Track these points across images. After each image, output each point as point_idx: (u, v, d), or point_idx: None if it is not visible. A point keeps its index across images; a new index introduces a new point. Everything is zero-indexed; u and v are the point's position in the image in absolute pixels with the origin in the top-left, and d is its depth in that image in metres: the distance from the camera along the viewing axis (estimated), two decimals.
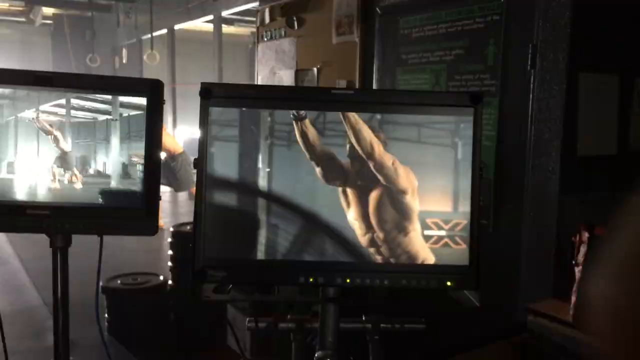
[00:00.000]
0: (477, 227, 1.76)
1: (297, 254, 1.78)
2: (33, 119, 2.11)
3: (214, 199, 1.79)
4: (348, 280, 1.74)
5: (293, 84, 6.32)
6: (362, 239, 1.76)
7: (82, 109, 2.18)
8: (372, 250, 1.77)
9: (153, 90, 2.04)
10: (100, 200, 2.07)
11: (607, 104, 3.89)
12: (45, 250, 2.07)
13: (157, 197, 2.06)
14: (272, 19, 6.92)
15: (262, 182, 1.78)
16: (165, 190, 2.41)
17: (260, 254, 1.79)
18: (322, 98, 1.82)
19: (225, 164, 1.79)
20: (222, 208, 1.79)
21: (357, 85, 5.53)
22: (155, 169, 2.07)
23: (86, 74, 2.56)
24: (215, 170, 1.79)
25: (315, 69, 6.28)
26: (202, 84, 1.79)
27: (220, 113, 1.80)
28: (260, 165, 1.79)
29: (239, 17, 16.92)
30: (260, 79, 7.11)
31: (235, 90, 1.81)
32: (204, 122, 1.78)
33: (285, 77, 6.65)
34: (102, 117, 2.14)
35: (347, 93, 1.81)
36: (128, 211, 2.05)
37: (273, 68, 6.91)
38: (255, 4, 8.72)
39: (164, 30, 17.85)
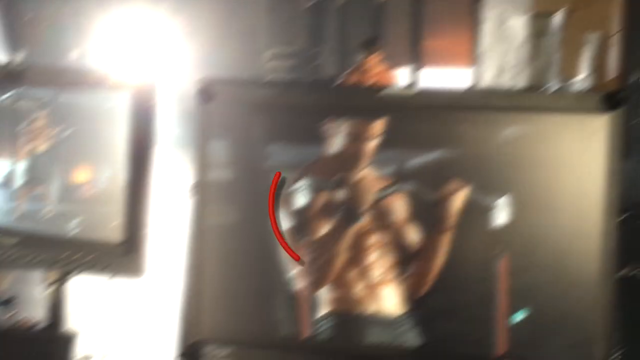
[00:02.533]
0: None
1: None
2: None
3: (219, 242, 1.34)
4: None
5: (527, 36, 5.05)
6: None
7: None
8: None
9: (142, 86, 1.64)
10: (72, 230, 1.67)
11: None
12: None
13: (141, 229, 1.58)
14: None
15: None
16: None
17: (279, 329, 1.33)
18: (367, 103, 1.31)
19: (235, 195, 1.37)
20: (228, 259, 1.35)
21: (614, 44, 4.16)
22: (141, 193, 1.58)
23: (64, 67, 2.19)
24: (220, 203, 1.36)
25: (557, 15, 4.80)
26: (200, 81, 1.35)
27: (226, 123, 1.34)
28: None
29: None
30: (486, 29, 5.85)
31: (245, 90, 1.32)
32: (203, 136, 1.29)
33: (518, 26, 5.36)
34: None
35: (404, 95, 1.28)
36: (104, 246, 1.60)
37: (503, 12, 5.68)
38: None
39: None
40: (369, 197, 1.31)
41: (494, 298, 1.28)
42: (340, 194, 1.32)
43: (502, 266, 1.28)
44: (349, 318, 1.32)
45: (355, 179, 1.32)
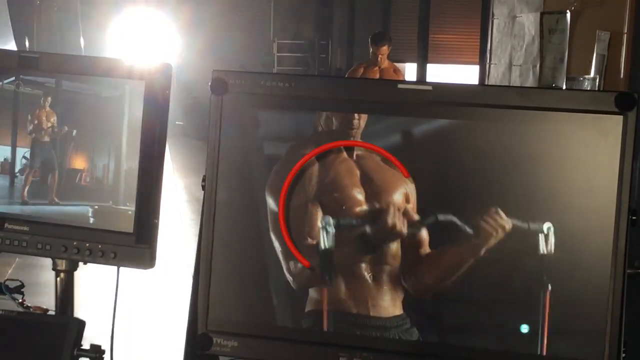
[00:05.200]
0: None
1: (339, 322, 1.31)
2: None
3: (228, 235, 1.33)
4: None
5: (537, 33, 5.05)
6: None
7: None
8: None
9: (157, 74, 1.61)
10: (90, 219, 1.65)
11: None
12: None
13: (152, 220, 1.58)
14: None
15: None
16: None
17: (286, 319, 1.32)
18: (382, 98, 1.30)
19: (245, 188, 1.35)
20: (238, 249, 1.34)
21: (624, 43, 4.11)
22: (153, 183, 1.58)
23: (78, 55, 2.17)
24: (231, 197, 1.34)
25: (568, 13, 4.69)
26: (215, 72, 1.32)
27: (240, 115, 1.32)
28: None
29: None
30: (495, 26, 5.76)
31: (260, 82, 1.32)
32: (216, 127, 1.30)
33: (528, 24, 5.29)
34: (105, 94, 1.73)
35: (422, 89, 1.28)
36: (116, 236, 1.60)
37: (513, 9, 5.64)
38: None
39: None
40: (396, 233, 1.30)
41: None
42: (368, 229, 1.31)
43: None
44: (347, 316, 1.32)
45: (383, 211, 1.30)
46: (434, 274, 1.30)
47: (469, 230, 1.27)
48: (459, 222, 1.27)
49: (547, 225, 1.26)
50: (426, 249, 1.29)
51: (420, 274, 1.30)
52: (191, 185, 8.78)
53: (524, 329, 1.27)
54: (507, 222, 1.26)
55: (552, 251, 1.27)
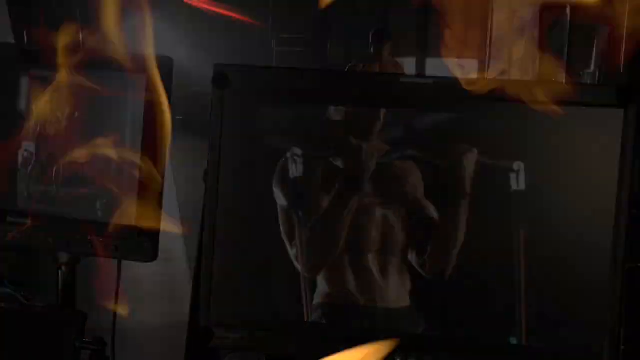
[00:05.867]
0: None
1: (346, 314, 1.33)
2: None
3: (230, 228, 1.33)
4: None
5: (536, 28, 5.04)
6: None
7: None
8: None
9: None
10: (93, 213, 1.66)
11: None
12: None
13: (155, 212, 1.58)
14: None
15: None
16: None
17: (289, 312, 1.34)
18: (384, 91, 1.31)
19: (247, 182, 1.36)
20: (241, 242, 1.35)
21: (624, 37, 4.07)
22: (155, 176, 1.59)
23: (79, 49, 2.13)
24: (233, 190, 1.35)
25: (567, 7, 4.49)
26: (216, 66, 1.33)
27: (241, 109, 1.32)
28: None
29: None
30: (495, 24, 5.76)
31: (262, 76, 1.32)
32: (218, 122, 1.32)
33: (528, 19, 5.17)
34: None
35: (423, 82, 1.28)
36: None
37: (513, 4, 5.63)
38: None
39: None
40: (372, 162, 1.30)
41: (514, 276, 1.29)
42: (339, 161, 1.31)
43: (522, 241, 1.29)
44: (354, 307, 1.32)
45: (355, 145, 1.30)
46: (442, 243, 1.30)
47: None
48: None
49: None
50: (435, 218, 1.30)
51: (430, 250, 1.31)
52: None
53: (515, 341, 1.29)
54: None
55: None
